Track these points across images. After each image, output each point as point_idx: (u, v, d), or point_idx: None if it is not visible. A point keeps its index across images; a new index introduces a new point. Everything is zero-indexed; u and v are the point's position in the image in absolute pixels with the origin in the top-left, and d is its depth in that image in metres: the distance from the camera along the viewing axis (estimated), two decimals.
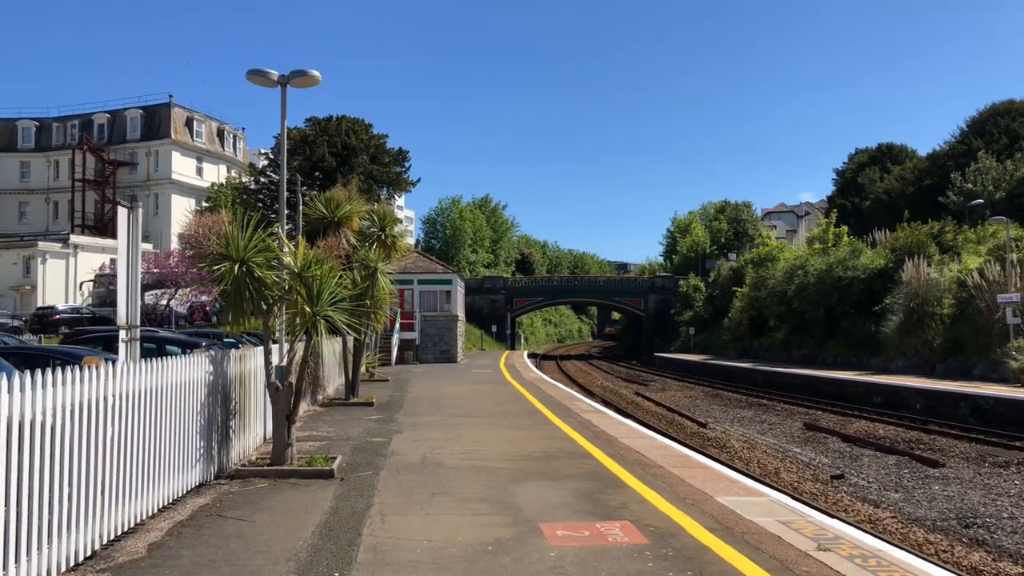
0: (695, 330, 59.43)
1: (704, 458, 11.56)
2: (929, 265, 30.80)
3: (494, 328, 67.27)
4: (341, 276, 10.75)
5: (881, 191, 58.19)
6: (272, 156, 54.08)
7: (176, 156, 67.81)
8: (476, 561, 6.03)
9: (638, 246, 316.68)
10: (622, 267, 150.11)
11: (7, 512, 4.97)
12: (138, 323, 7.88)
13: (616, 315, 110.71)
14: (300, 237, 11.16)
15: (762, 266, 48.20)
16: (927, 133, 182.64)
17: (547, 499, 8.20)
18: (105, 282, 43.11)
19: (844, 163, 72.22)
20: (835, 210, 53.82)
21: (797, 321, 40.64)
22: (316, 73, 12.38)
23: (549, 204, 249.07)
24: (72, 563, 5.80)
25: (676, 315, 65.06)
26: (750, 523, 7.10)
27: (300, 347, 10.14)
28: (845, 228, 47.05)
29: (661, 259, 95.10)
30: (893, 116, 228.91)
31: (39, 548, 5.32)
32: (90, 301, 44.17)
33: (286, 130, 13.64)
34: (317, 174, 48.47)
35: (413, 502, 8.12)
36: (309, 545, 6.47)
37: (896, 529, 10.98)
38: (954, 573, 7.67)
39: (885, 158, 66.33)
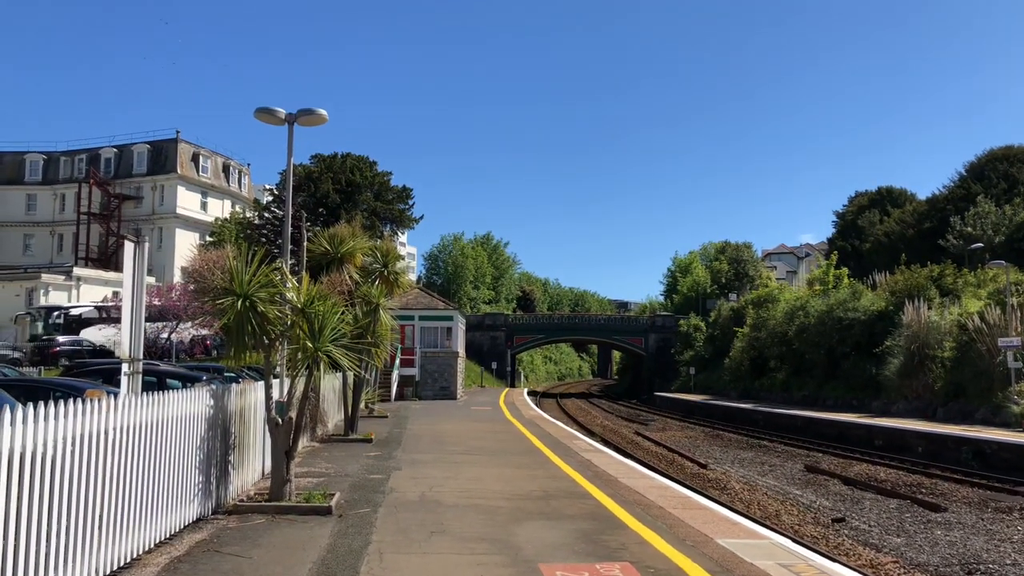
0: (695, 370, 59.29)
1: (704, 499, 11.49)
2: (929, 308, 30.86)
3: (494, 365, 67.11)
4: (343, 312, 10.81)
5: (881, 234, 58.47)
6: (277, 192, 54.55)
7: (182, 191, 68.33)
8: None
9: (639, 285, 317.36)
10: (623, 305, 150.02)
11: (4, 544, 4.96)
12: (141, 356, 7.93)
13: (617, 354, 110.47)
14: (303, 273, 11.25)
15: (762, 307, 48.27)
16: (927, 177, 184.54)
17: (546, 539, 8.16)
18: (42, 316, 42.39)
19: (844, 205, 72.69)
20: (835, 252, 54.06)
21: (798, 362, 40.57)
22: (323, 112, 12.58)
23: (550, 242, 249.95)
24: None
25: (676, 355, 64.95)
26: (751, 566, 7.06)
27: (301, 383, 10.16)
28: (845, 270, 47.23)
29: (662, 298, 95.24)
30: (894, 159, 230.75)
31: None
32: (25, 334, 42.84)
33: (292, 167, 13.82)
34: (321, 210, 48.84)
35: (411, 540, 8.07)
36: None
37: (898, 574, 10.89)
38: None
39: (885, 201, 66.76)
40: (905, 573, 10.93)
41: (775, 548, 7.84)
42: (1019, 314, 26.15)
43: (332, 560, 7.19)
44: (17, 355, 35.68)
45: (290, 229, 13.94)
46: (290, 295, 9.96)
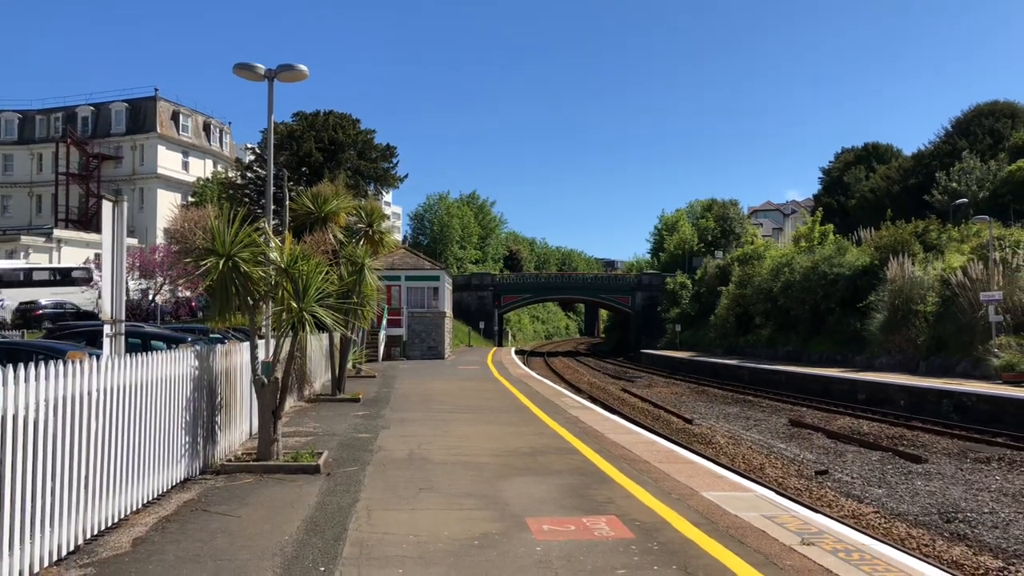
0: (682, 327, 59.64)
1: (690, 454, 11.61)
2: (913, 263, 31.04)
3: (482, 325, 67.24)
4: (328, 272, 10.72)
5: (867, 190, 58.60)
6: (259, 151, 53.79)
7: (162, 150, 67.26)
8: (462, 556, 6.04)
9: (626, 243, 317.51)
10: (610, 264, 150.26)
11: None
12: (123, 318, 7.83)
13: (604, 312, 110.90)
14: (286, 232, 11.12)
15: (748, 264, 48.43)
16: (913, 133, 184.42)
17: (533, 494, 8.22)
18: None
19: (830, 162, 72.70)
20: (821, 208, 54.16)
21: (783, 318, 40.85)
22: (303, 67, 12.33)
23: (537, 201, 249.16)
24: (55, 558, 5.77)
25: (663, 312, 65.25)
26: (735, 518, 7.15)
27: (286, 343, 10.11)
28: (831, 226, 47.37)
29: (648, 256, 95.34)
30: (880, 115, 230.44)
31: (21, 543, 5.28)
32: None
33: (273, 124, 13.57)
34: (304, 169, 48.22)
35: (400, 497, 8.11)
36: (295, 540, 6.46)
37: (879, 524, 11.07)
38: (935, 567, 7.74)
39: (871, 157, 66.78)
40: (886, 523, 11.10)
41: (759, 500, 7.94)
42: (1001, 269, 26.34)
43: (321, 518, 7.22)
44: None
45: (272, 189, 13.75)
46: (273, 255, 9.85)
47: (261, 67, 12.31)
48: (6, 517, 5.11)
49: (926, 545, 9.95)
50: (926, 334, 28.91)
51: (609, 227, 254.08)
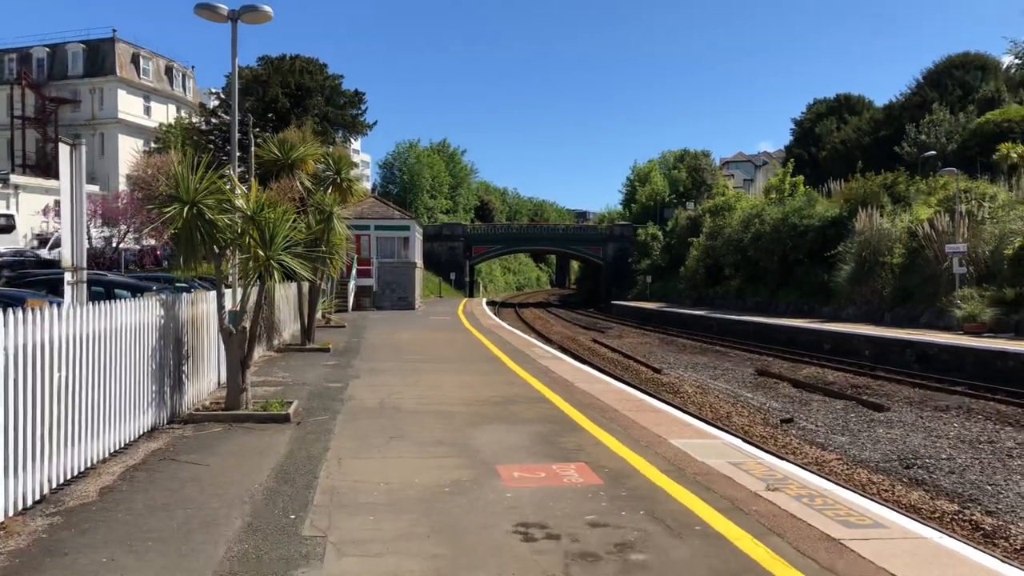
0: (652, 279, 60.03)
1: (658, 402, 11.75)
2: (881, 215, 31.39)
3: (453, 276, 67.13)
4: (295, 220, 10.53)
5: (838, 141, 58.78)
6: (223, 96, 52.45)
7: (122, 94, 65.33)
8: (433, 502, 6.06)
9: (598, 195, 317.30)
10: (582, 215, 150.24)
11: None
12: (84, 265, 7.64)
13: (575, 264, 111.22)
14: (253, 180, 10.88)
15: (719, 215, 48.66)
16: (887, 86, 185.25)
17: (505, 442, 8.27)
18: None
19: (802, 113, 72.61)
20: (792, 160, 54.33)
21: (752, 270, 41.26)
22: (268, 8, 11.93)
23: (510, 151, 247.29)
24: (20, 507, 5.68)
25: (634, 264, 65.58)
26: (702, 464, 7.25)
27: (253, 292, 9.96)
28: (801, 178, 47.61)
29: (621, 208, 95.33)
30: (855, 68, 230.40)
31: None
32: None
33: (237, 69, 13.17)
34: (270, 115, 47.17)
35: (371, 446, 8.12)
36: (265, 488, 6.44)
37: (841, 470, 11.32)
38: (893, 510, 7.95)
39: (843, 109, 66.82)
40: (848, 469, 11.36)
41: (726, 448, 8.06)
42: (967, 221, 26.73)
43: (291, 466, 7.20)
44: None
45: (238, 135, 13.43)
46: (239, 202, 9.64)
47: (224, 7, 11.89)
48: None
49: (886, 490, 10.20)
50: (892, 285, 29.38)
51: (582, 178, 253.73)
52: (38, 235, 42.84)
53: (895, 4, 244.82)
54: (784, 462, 7.71)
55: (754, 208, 43.57)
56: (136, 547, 5.04)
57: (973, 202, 27.51)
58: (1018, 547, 8.08)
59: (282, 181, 11.83)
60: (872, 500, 6.76)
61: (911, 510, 9.33)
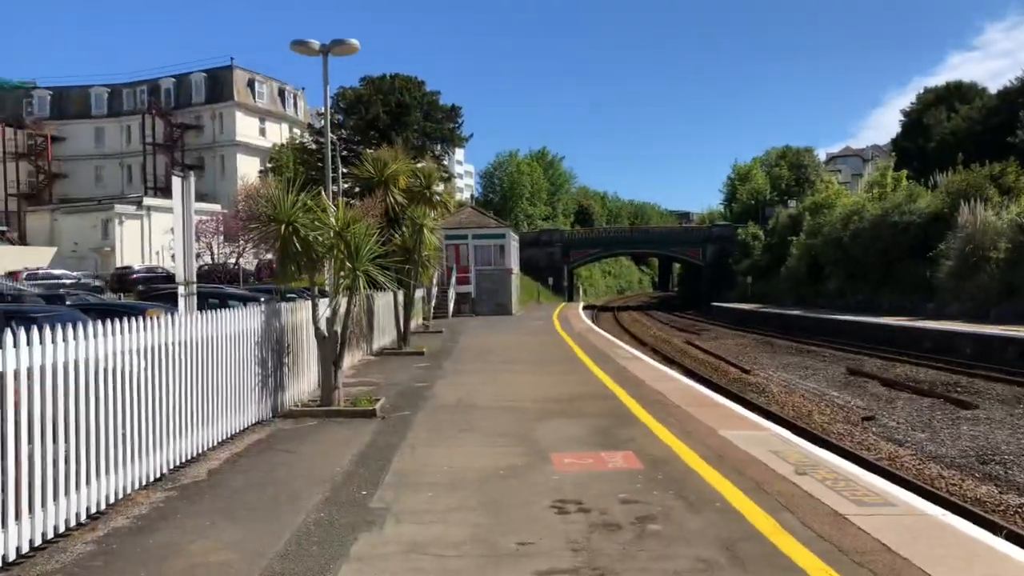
0: (752, 279, 58.97)
1: (723, 398, 12.13)
2: (987, 208, 30.13)
3: (551, 280, 67.90)
4: (381, 233, 11.60)
5: (947, 132, 56.29)
6: (332, 114, 55.28)
7: (239, 117, 69.82)
8: (487, 482, 6.87)
9: (702, 195, 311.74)
10: (684, 216, 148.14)
11: (87, 440, 5.99)
12: (194, 279, 8.88)
13: (677, 266, 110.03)
14: (340, 198, 12.02)
15: (819, 213, 47.53)
16: (1003, 71, 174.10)
17: (564, 433, 8.99)
18: None
19: (911, 104, 69.85)
20: (894, 153, 52.45)
21: (853, 267, 40.18)
22: (355, 42, 13.10)
23: (610, 155, 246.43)
24: (144, 483, 6.86)
25: (734, 264, 64.57)
26: (743, 452, 7.76)
27: (344, 300, 11.05)
28: (904, 172, 45.93)
29: (721, 207, 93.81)
30: (968, 54, 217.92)
31: (116, 470, 6.36)
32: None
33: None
34: (372, 132, 49.47)
35: (443, 436, 9.01)
36: (344, 471, 7.41)
37: (912, 465, 11.38)
38: (915, 493, 8.19)
39: (953, 97, 63.83)
40: (919, 464, 11.41)
41: (771, 438, 8.50)
42: None
43: (370, 452, 8.17)
44: (98, 283, 38.06)
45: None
46: (330, 220, 10.76)
47: (316, 43, 13.14)
48: (102, 448, 6.16)
49: (954, 484, 10.27)
50: (997, 280, 28.20)
51: (684, 179, 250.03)
52: (174, 253, 46.43)
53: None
54: (823, 451, 8.08)
55: (854, 205, 42.40)
56: (233, 514, 6.09)
57: None
58: None
59: (366, 199, 12.94)
60: (897, 484, 7.08)
61: (975, 503, 9.45)
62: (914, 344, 26.41)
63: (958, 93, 63.72)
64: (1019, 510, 9.12)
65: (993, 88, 61.83)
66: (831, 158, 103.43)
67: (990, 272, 28.33)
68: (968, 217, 29.72)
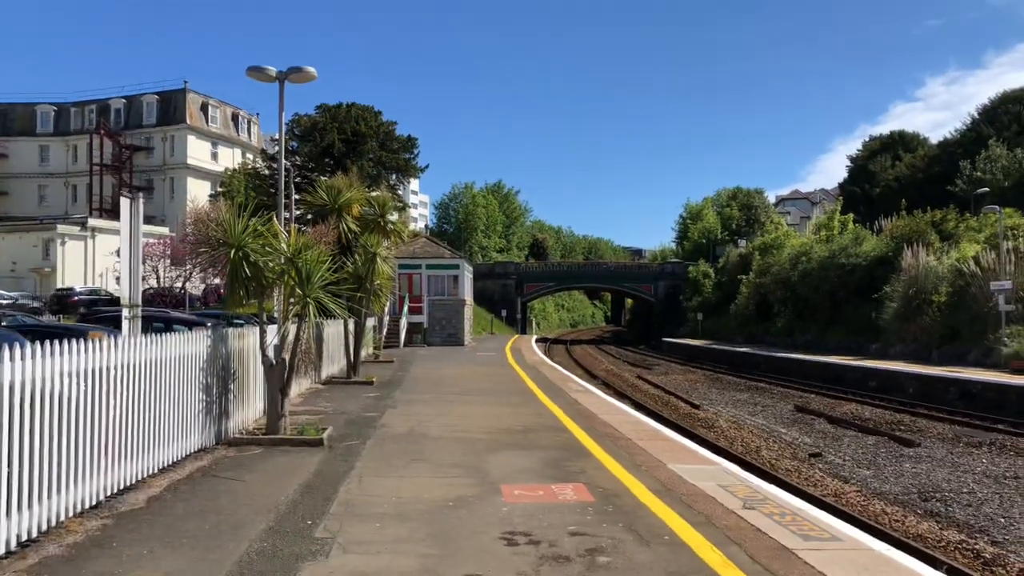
0: (703, 316, 59.85)
1: (673, 432, 12.21)
2: (928, 253, 31.18)
3: (504, 312, 67.99)
4: (333, 260, 11.46)
5: (891, 178, 58.33)
6: (286, 140, 54.92)
7: (191, 141, 68.87)
8: (436, 514, 6.75)
9: (655, 232, 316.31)
10: (637, 253, 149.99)
11: (19, 465, 5.73)
12: (139, 303, 8.66)
13: (630, 301, 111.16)
14: (291, 225, 11.89)
15: (768, 253, 48.63)
16: (945, 122, 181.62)
17: (515, 465, 8.92)
18: None
19: (858, 150, 72.31)
20: (840, 197, 54.14)
21: (801, 307, 41.11)
22: (312, 69, 13.05)
23: (564, 191, 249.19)
24: (78, 510, 6.58)
25: (685, 301, 65.55)
26: (691, 486, 7.78)
27: (293, 327, 10.88)
28: (851, 216, 47.36)
29: (674, 245, 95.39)
30: (913, 105, 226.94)
31: (49, 497, 6.09)
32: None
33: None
34: (327, 160, 49.25)
35: (392, 466, 8.86)
36: (289, 500, 7.23)
37: (857, 501, 11.59)
38: (859, 528, 8.32)
39: (897, 146, 66.32)
40: (864, 500, 11.62)
41: (719, 472, 8.55)
42: (1012, 258, 26.46)
43: (316, 482, 7.98)
44: (37, 304, 36.85)
45: (284, 183, 14.52)
46: (280, 245, 10.61)
47: (272, 70, 13.06)
48: (35, 474, 5.90)
49: (897, 520, 10.46)
50: (939, 323, 29.11)
51: (638, 216, 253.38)
52: (118, 276, 45.21)
53: (946, 47, 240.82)
54: (771, 486, 8.15)
55: (802, 246, 43.51)
56: (172, 542, 5.87)
57: (1021, 239, 27.21)
58: (1014, 574, 8.34)
59: (318, 226, 12.84)
60: (841, 519, 7.18)
61: (917, 539, 9.63)
62: (860, 383, 27.01)
63: (902, 142, 66.22)
64: (959, 546, 9.31)
65: (934, 139, 64.50)
66: (780, 200, 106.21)
67: (932, 315, 29.21)
68: (911, 261, 30.69)
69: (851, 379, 27.93)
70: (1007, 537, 9.72)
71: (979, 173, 46.70)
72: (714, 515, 6.67)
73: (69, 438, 6.42)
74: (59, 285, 46.33)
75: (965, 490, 12.18)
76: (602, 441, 10.61)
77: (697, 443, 11.92)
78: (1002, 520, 10.47)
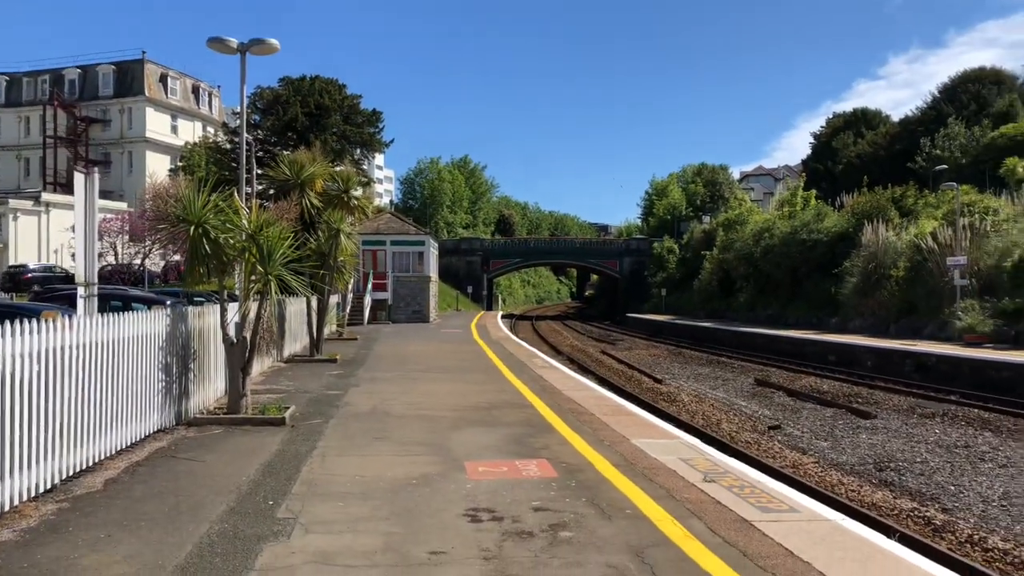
0: (667, 291, 60.42)
1: (636, 407, 12.32)
2: (888, 229, 31.73)
3: (470, 289, 67.93)
4: (296, 236, 11.31)
5: (853, 155, 59.10)
6: (248, 114, 53.84)
7: (150, 113, 67.27)
8: (399, 492, 6.75)
9: (621, 209, 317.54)
10: (603, 229, 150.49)
11: None
12: (96, 280, 8.45)
13: (595, 277, 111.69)
14: (253, 200, 11.69)
15: (732, 229, 49.11)
16: (907, 100, 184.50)
17: (479, 442, 8.94)
18: None
19: (821, 127, 73.09)
20: (804, 173, 54.76)
21: (763, 283, 41.66)
22: (275, 41, 12.79)
23: (531, 166, 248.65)
24: (33, 494, 6.45)
25: (650, 277, 66.04)
26: (653, 460, 7.88)
27: (254, 305, 10.74)
28: (813, 192, 47.96)
29: (639, 222, 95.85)
30: (874, 78, 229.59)
31: (0, 480, 5.96)
32: None
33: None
34: (290, 134, 48.45)
35: (355, 445, 8.83)
36: (251, 480, 7.17)
37: (815, 472, 11.84)
38: (813, 498, 8.51)
39: (860, 123, 67.15)
40: (821, 471, 11.88)
41: (681, 446, 8.66)
42: (968, 234, 27.04)
43: (278, 462, 7.93)
44: None
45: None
46: (243, 222, 10.43)
47: (234, 41, 12.77)
48: None
49: (852, 490, 10.72)
50: (897, 298, 29.71)
51: (604, 192, 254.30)
52: (74, 252, 44.22)
53: (909, 29, 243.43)
54: (731, 458, 8.28)
55: (765, 222, 43.99)
56: (130, 526, 5.79)
57: (976, 215, 27.80)
58: (962, 540, 8.59)
59: (280, 202, 12.63)
60: (798, 489, 7.33)
61: (871, 508, 9.87)
62: (820, 357, 27.53)
63: (864, 119, 67.07)
64: (911, 514, 9.58)
65: (896, 116, 65.42)
66: (744, 176, 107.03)
67: (890, 289, 29.79)
68: (871, 237, 31.22)
69: (811, 353, 28.44)
70: (956, 504, 10.02)
71: (938, 151, 47.57)
72: (675, 488, 6.76)
73: (21, 421, 6.28)
74: (11, 262, 45.23)
75: (918, 460, 12.50)
76: (566, 417, 10.68)
77: (659, 417, 12.05)
78: (952, 488, 10.78)
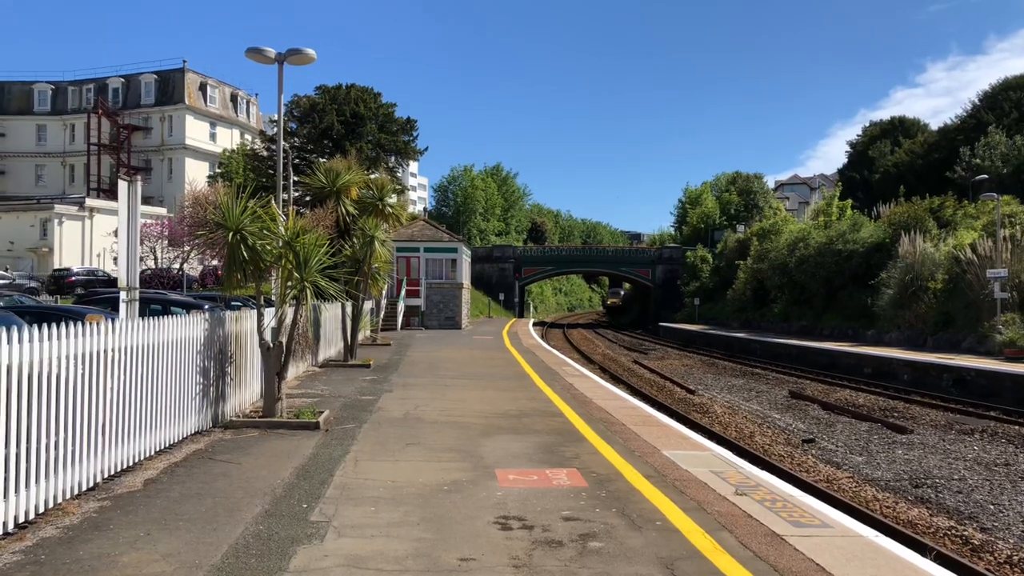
0: (700, 301, 59.91)
1: (667, 418, 12.28)
2: (926, 240, 31.21)
3: (502, 296, 68.00)
4: (331, 244, 11.48)
5: (890, 164, 58.24)
6: (285, 121, 54.68)
7: (190, 121, 68.59)
8: (430, 498, 6.82)
9: (654, 216, 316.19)
10: (635, 237, 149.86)
11: (17, 446, 5.78)
12: (137, 285, 8.66)
13: (627, 285, 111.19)
14: (290, 207, 11.88)
15: (766, 238, 48.59)
16: (944, 107, 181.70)
17: (510, 450, 8.99)
18: None
19: (857, 136, 72.18)
20: (839, 183, 54.05)
21: (798, 293, 41.16)
22: (311, 51, 13.00)
23: (564, 174, 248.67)
24: (76, 492, 6.64)
25: (683, 285, 65.57)
26: (684, 472, 7.86)
27: (290, 310, 10.91)
28: (849, 202, 47.35)
29: (672, 230, 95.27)
30: (911, 86, 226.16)
31: (46, 478, 6.14)
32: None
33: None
34: (326, 142, 49.08)
35: (387, 450, 8.92)
36: (285, 483, 7.29)
37: (849, 487, 11.69)
38: (847, 514, 8.40)
39: (897, 131, 66.18)
40: (856, 487, 11.72)
41: (713, 458, 8.62)
42: (1009, 245, 26.50)
43: (312, 466, 8.05)
44: (34, 284, 36.83)
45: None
46: (280, 229, 10.62)
47: (271, 51, 13.01)
48: (33, 456, 5.95)
49: (888, 507, 10.56)
50: (935, 310, 29.19)
51: (637, 200, 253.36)
52: (116, 256, 45.14)
53: (948, 33, 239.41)
54: (763, 472, 8.22)
55: (800, 232, 43.49)
56: (169, 525, 5.93)
57: (1018, 227, 27.24)
58: (1001, 560, 8.44)
59: (316, 209, 12.82)
60: (832, 505, 7.26)
61: (907, 525, 9.72)
62: (855, 369, 27.13)
63: (901, 128, 66.07)
64: (948, 532, 9.42)
65: (934, 125, 64.37)
66: (779, 185, 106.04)
67: (928, 302, 29.28)
68: (908, 248, 30.71)
69: (846, 365, 28.04)
70: (996, 524, 9.82)
71: (978, 160, 46.64)
72: (706, 501, 6.74)
73: (67, 420, 6.47)
74: (56, 265, 46.33)
75: (956, 477, 12.27)
76: (597, 426, 10.68)
77: (691, 429, 12.00)
78: (991, 507, 10.57)
